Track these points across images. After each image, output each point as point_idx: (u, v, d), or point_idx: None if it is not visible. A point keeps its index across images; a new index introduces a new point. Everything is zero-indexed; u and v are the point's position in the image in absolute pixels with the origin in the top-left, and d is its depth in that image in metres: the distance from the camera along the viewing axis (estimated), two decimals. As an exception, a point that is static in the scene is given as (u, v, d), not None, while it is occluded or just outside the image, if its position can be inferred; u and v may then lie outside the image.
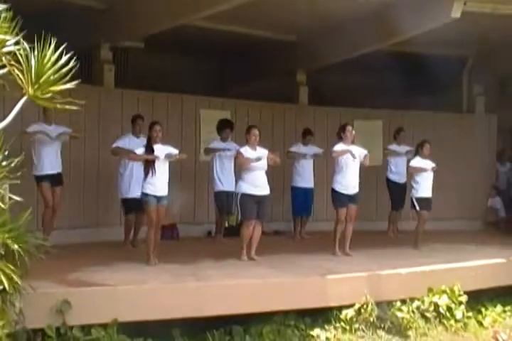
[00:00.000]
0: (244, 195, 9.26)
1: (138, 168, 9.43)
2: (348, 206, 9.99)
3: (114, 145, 10.16)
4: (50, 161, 9.31)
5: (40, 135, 9.23)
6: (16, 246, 5.28)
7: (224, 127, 11.26)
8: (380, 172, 12.98)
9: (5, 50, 4.83)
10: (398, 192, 12.46)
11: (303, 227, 12.37)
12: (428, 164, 11.03)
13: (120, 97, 11.64)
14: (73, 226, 10.67)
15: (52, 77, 4.87)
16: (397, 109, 14.03)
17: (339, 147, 9.99)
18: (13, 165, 5.12)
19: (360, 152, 10.04)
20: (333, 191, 10.09)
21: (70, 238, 10.09)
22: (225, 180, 11.01)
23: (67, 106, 4.97)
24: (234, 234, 11.27)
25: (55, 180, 9.41)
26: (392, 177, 12.62)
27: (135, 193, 9.62)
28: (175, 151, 8.85)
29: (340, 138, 10.09)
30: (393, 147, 12.70)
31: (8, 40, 4.83)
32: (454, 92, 15.28)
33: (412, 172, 11.12)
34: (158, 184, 8.66)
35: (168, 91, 12.15)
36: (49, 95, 4.91)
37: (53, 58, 4.88)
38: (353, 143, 10.10)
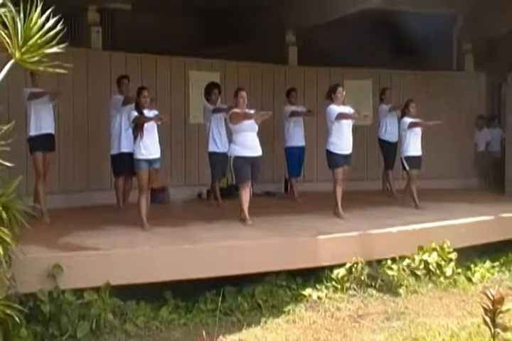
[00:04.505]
0: (238, 158, 9.20)
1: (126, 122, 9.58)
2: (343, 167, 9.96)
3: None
4: (46, 121, 9.26)
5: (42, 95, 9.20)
6: (6, 212, 5.27)
7: (212, 88, 11.18)
8: (369, 132, 12.96)
9: (-9, 13, 4.77)
10: (391, 151, 12.45)
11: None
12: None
13: (108, 60, 11.50)
14: (63, 190, 10.64)
15: (39, 41, 4.81)
16: (387, 68, 13.95)
17: (335, 109, 9.86)
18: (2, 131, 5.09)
19: (350, 111, 10.00)
20: (329, 152, 9.98)
21: (60, 202, 10.07)
22: (220, 141, 10.95)
23: (55, 70, 4.92)
24: (224, 195, 11.34)
25: (49, 143, 9.34)
26: (385, 136, 12.56)
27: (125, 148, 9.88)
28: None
29: (330, 99, 10.03)
30: (383, 107, 12.61)
31: (-7, 4, 4.77)
32: (444, 51, 15.19)
33: (421, 126, 11.03)
34: (151, 146, 8.71)
35: (156, 53, 12.03)
36: (36, 58, 4.87)
37: (40, 21, 4.82)
38: (343, 104, 10.05)
